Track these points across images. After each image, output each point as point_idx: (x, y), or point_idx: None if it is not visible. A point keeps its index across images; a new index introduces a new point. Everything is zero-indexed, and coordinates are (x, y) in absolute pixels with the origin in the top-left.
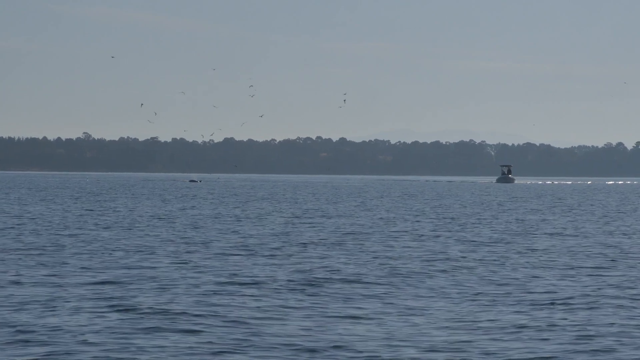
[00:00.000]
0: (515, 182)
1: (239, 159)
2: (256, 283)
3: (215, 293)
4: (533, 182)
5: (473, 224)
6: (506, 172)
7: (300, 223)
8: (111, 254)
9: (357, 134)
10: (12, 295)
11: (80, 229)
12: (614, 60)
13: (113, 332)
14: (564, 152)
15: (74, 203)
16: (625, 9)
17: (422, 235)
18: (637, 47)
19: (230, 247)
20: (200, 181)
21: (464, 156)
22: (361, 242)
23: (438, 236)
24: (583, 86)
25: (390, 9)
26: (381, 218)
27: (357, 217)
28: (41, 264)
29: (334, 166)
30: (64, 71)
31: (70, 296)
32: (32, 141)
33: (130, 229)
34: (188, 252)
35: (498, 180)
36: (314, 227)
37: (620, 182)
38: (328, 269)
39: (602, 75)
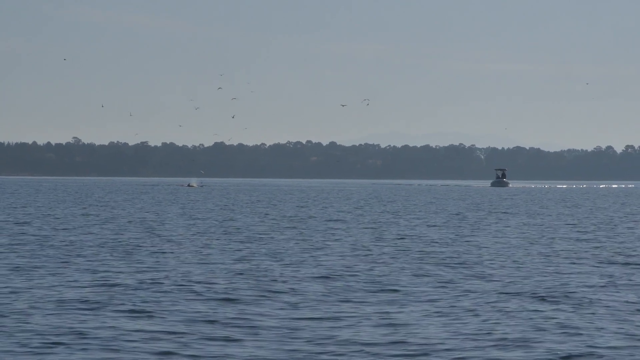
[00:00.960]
0: (510, 185)
1: (229, 163)
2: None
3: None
4: (527, 186)
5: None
6: (500, 176)
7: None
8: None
9: (347, 138)
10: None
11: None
12: (605, 63)
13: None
14: (554, 156)
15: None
16: (615, 12)
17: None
18: (629, 50)
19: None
20: (202, 186)
21: (454, 160)
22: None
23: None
24: (573, 89)
25: (380, 11)
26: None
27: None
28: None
29: (324, 170)
30: (54, 75)
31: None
32: (22, 146)
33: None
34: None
35: (493, 184)
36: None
37: (618, 186)
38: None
39: (592, 78)
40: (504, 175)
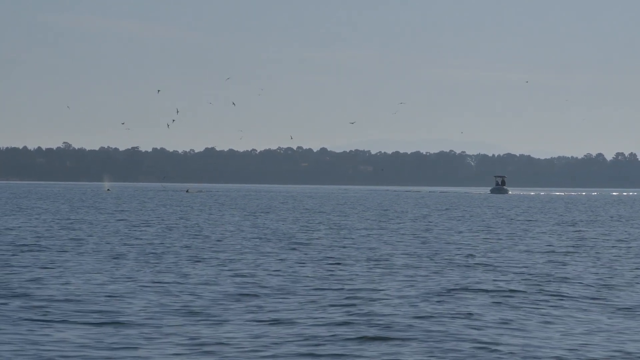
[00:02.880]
0: (510, 193)
1: (220, 168)
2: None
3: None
4: (526, 194)
5: None
6: (500, 183)
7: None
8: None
9: (337, 144)
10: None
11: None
12: (595, 71)
13: None
14: (544, 163)
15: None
16: (605, 22)
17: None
18: (621, 59)
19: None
20: (200, 191)
21: (444, 167)
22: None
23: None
24: (564, 97)
25: (368, 18)
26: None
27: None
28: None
29: (314, 176)
30: (44, 80)
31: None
32: (12, 151)
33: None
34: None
35: (492, 191)
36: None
37: (619, 193)
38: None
39: (583, 86)
40: (503, 182)
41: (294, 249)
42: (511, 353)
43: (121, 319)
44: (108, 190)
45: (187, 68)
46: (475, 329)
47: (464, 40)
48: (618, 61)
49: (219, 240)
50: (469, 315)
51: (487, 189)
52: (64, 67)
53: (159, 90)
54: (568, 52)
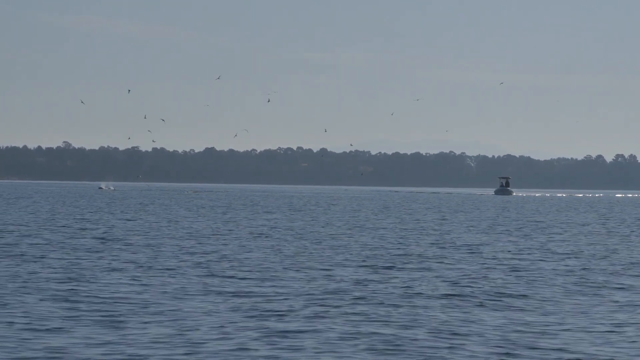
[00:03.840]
0: (514, 194)
1: (220, 169)
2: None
3: None
4: (530, 195)
5: None
6: (504, 184)
7: None
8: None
9: (337, 144)
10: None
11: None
12: (595, 72)
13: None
14: (544, 164)
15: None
16: (605, 22)
17: None
18: (621, 60)
19: None
20: (197, 192)
21: (444, 167)
22: None
23: None
24: (563, 98)
25: (368, 18)
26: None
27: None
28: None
29: (314, 177)
30: (44, 79)
31: None
32: (12, 150)
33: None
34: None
35: (496, 192)
36: None
37: (624, 195)
38: None
39: (583, 87)
40: (507, 184)
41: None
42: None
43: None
44: (112, 189)
45: (186, 68)
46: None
47: (464, 41)
48: (618, 62)
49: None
50: None
51: (490, 190)
52: (64, 66)
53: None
54: (568, 54)
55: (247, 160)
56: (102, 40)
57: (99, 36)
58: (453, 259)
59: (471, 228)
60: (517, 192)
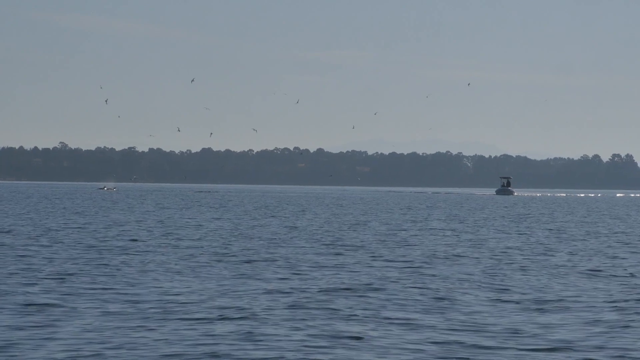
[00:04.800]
0: (515, 194)
1: (217, 169)
2: None
3: None
4: (532, 195)
5: None
6: (505, 184)
7: None
8: None
9: (333, 144)
10: None
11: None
12: (591, 72)
13: None
14: (541, 164)
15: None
16: (601, 23)
17: None
18: (618, 60)
19: None
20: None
21: (441, 167)
22: None
23: None
24: (560, 97)
25: (363, 17)
26: None
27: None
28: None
29: (311, 177)
30: (41, 80)
31: None
32: (9, 150)
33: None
34: None
35: (498, 192)
36: None
37: (624, 195)
38: None
39: (579, 87)
40: (508, 184)
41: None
42: None
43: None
44: (114, 189)
45: (184, 69)
46: None
47: (461, 41)
48: (614, 63)
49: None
50: None
51: (490, 190)
52: (60, 67)
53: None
54: (565, 54)
55: (244, 161)
56: (100, 40)
57: (96, 36)
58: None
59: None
60: (517, 192)
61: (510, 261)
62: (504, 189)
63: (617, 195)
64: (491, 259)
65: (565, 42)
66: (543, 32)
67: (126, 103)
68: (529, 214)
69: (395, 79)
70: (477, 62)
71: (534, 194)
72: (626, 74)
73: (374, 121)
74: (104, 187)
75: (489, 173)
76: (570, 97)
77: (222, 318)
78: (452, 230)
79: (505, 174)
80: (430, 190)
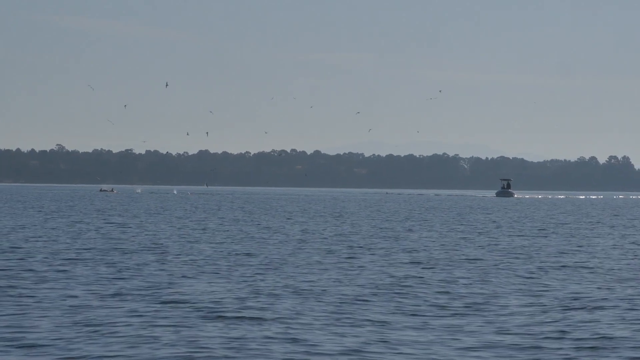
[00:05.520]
0: (515, 196)
1: (214, 171)
2: None
3: None
4: (532, 197)
5: None
6: (506, 186)
7: None
8: None
9: (330, 146)
10: None
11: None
12: (588, 74)
13: None
14: (537, 166)
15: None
16: (598, 25)
17: None
18: (614, 62)
19: None
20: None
21: (438, 169)
22: None
23: None
24: (556, 99)
25: (360, 19)
26: None
27: None
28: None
29: (309, 179)
30: (37, 82)
31: None
32: (6, 153)
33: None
34: None
35: (498, 194)
36: None
37: (624, 196)
38: None
39: (576, 89)
40: (509, 186)
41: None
42: None
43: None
44: (112, 190)
45: (181, 70)
46: None
47: (458, 43)
48: (611, 65)
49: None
50: None
51: (490, 192)
52: (57, 68)
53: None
54: (562, 56)
55: (241, 163)
56: (98, 42)
57: (93, 37)
58: None
59: None
60: (517, 194)
61: None
62: (505, 191)
63: (618, 196)
64: None
65: (562, 44)
66: (540, 34)
67: (123, 105)
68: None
69: (392, 81)
70: (474, 65)
71: (534, 196)
72: (623, 76)
73: (371, 123)
74: (111, 188)
75: (486, 175)
76: (567, 99)
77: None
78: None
79: (503, 176)
80: (431, 192)
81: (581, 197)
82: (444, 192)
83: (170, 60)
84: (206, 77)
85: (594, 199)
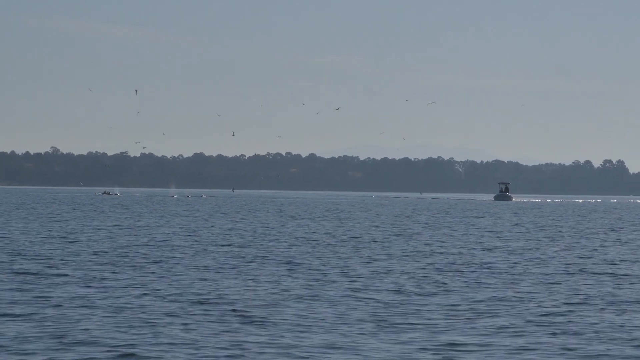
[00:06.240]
0: (514, 200)
1: (209, 174)
2: None
3: None
4: (530, 200)
5: None
6: (504, 190)
7: None
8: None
9: (325, 149)
10: None
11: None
12: (583, 78)
13: None
14: (532, 170)
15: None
16: (592, 28)
17: None
18: (607, 66)
19: None
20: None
21: (433, 173)
22: None
23: None
24: (552, 103)
25: (358, 24)
26: None
27: None
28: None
29: (303, 182)
30: (32, 84)
31: None
32: (0, 155)
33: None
34: None
35: (496, 198)
36: None
37: (617, 200)
38: None
39: (571, 93)
40: (507, 189)
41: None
42: None
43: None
44: (112, 193)
45: (177, 71)
46: None
47: (453, 47)
48: (606, 68)
49: None
50: None
51: (487, 195)
52: (52, 71)
53: (136, 91)
54: (557, 59)
55: (236, 166)
56: (92, 45)
57: (88, 40)
58: None
59: None
60: (515, 198)
61: None
62: (503, 195)
63: (612, 200)
64: None
65: (557, 48)
66: (535, 39)
67: (119, 107)
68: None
69: (388, 84)
70: (469, 68)
71: (532, 200)
72: (618, 79)
73: (367, 126)
74: (114, 192)
75: (481, 179)
76: (562, 103)
77: None
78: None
79: (500, 180)
80: (429, 195)
81: (579, 200)
82: (439, 195)
83: (168, 62)
84: (204, 80)
85: (595, 202)
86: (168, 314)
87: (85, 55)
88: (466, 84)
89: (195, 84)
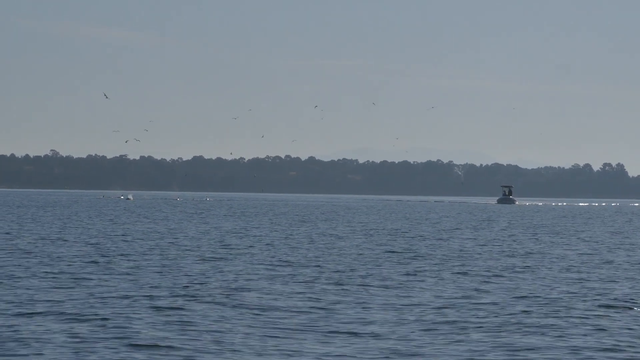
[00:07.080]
0: (517, 203)
1: (208, 177)
2: None
3: None
4: (533, 204)
5: None
6: (507, 193)
7: None
8: None
9: (324, 152)
10: None
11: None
12: (582, 82)
13: None
14: (532, 173)
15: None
16: (592, 31)
17: None
18: (607, 70)
19: None
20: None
21: (432, 176)
22: None
23: None
24: (550, 107)
25: (355, 27)
26: None
27: None
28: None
29: (303, 185)
30: (31, 87)
31: None
32: (0, 158)
33: None
34: None
35: (499, 201)
36: None
37: (616, 204)
38: None
39: (570, 96)
40: (510, 192)
41: None
42: None
43: None
44: (129, 198)
45: (176, 74)
46: None
47: (449, 48)
48: (605, 72)
49: None
50: None
51: (489, 198)
52: (51, 74)
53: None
54: (556, 62)
55: (235, 169)
56: (92, 48)
57: (87, 43)
58: None
59: None
60: (518, 201)
61: None
62: (506, 198)
63: (612, 204)
64: None
65: (556, 51)
66: (534, 41)
67: (119, 110)
68: None
69: (387, 87)
70: (468, 71)
71: (535, 203)
72: (617, 83)
73: (365, 130)
74: (128, 195)
75: (480, 181)
76: (561, 107)
77: None
78: None
79: (500, 183)
80: (431, 199)
81: (583, 204)
82: (443, 199)
83: (166, 64)
84: (202, 82)
85: (600, 206)
86: None
87: (85, 58)
88: (466, 87)
89: (195, 85)
